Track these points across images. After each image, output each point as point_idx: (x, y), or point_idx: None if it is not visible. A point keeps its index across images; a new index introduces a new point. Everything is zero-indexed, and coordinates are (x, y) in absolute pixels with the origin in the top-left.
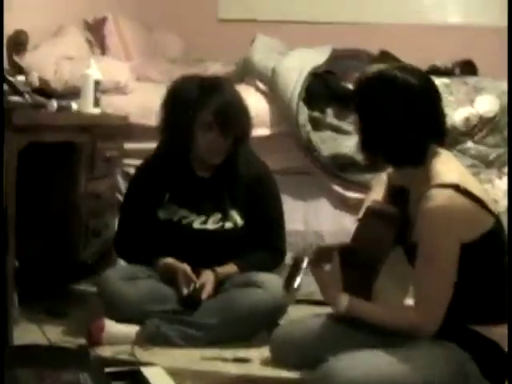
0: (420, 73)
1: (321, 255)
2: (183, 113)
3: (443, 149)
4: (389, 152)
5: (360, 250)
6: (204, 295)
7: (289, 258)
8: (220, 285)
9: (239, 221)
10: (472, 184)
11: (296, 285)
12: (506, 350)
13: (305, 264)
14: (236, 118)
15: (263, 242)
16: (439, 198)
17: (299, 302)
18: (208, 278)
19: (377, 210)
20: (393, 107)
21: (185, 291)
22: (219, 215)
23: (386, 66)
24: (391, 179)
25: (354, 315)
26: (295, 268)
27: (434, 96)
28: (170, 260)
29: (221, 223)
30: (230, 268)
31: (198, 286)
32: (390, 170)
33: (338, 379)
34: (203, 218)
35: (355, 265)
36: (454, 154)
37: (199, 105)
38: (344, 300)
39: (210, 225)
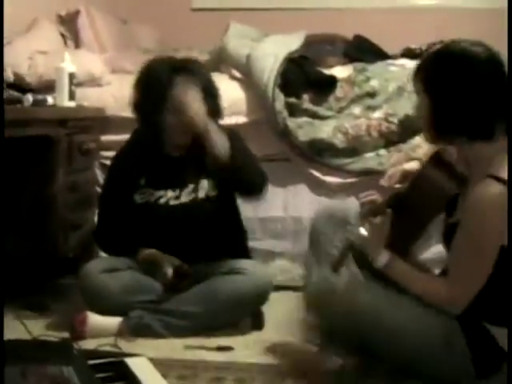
0: (487, 48)
1: (374, 210)
2: (153, 93)
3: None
4: (463, 124)
5: (414, 196)
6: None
7: (271, 246)
8: (202, 271)
9: (212, 191)
10: None
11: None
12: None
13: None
14: (205, 97)
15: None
16: (492, 189)
17: (281, 288)
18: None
19: (446, 160)
20: (466, 81)
21: (169, 270)
22: (191, 186)
23: (453, 41)
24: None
25: (391, 273)
26: (345, 251)
27: (502, 72)
28: (148, 249)
29: (193, 194)
30: None
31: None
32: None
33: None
34: (177, 193)
35: (405, 216)
36: None
37: (169, 85)
38: (385, 254)
39: (184, 197)
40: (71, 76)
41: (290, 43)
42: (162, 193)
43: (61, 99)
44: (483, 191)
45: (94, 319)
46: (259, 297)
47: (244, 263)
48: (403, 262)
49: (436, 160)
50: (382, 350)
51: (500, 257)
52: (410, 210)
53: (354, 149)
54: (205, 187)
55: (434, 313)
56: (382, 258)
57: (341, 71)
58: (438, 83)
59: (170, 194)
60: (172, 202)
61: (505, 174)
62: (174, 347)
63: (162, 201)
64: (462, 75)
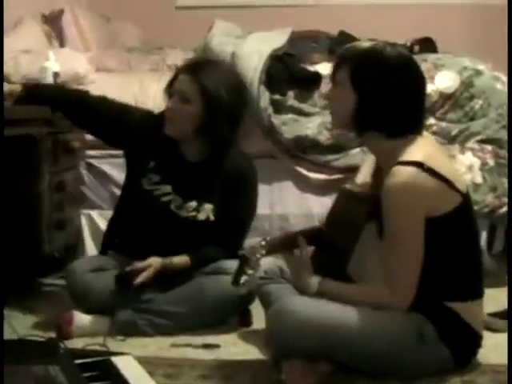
0: (403, 50)
1: (283, 243)
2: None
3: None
4: (385, 122)
5: (332, 232)
6: (139, 279)
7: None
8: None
9: (211, 216)
10: (440, 163)
11: (243, 280)
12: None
13: (256, 259)
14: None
15: (222, 239)
16: (400, 174)
17: None
18: (153, 262)
19: (348, 192)
20: (386, 81)
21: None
22: (194, 204)
23: (372, 43)
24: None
25: (327, 297)
26: (242, 264)
27: (418, 72)
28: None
29: (194, 213)
30: (182, 260)
31: (136, 267)
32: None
33: (289, 315)
34: (180, 202)
35: (328, 248)
36: None
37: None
38: (314, 282)
39: (184, 212)
40: (55, 75)
41: (274, 40)
42: (168, 189)
43: None
44: (389, 181)
45: (81, 319)
46: (244, 297)
47: (229, 264)
48: (336, 282)
49: (344, 195)
50: (359, 364)
51: (430, 229)
52: (332, 244)
53: (339, 145)
54: (206, 212)
55: (398, 313)
56: (312, 285)
57: (325, 68)
58: (367, 82)
59: (173, 197)
60: (172, 208)
61: (412, 157)
62: (160, 345)
63: (165, 199)
64: (392, 77)
